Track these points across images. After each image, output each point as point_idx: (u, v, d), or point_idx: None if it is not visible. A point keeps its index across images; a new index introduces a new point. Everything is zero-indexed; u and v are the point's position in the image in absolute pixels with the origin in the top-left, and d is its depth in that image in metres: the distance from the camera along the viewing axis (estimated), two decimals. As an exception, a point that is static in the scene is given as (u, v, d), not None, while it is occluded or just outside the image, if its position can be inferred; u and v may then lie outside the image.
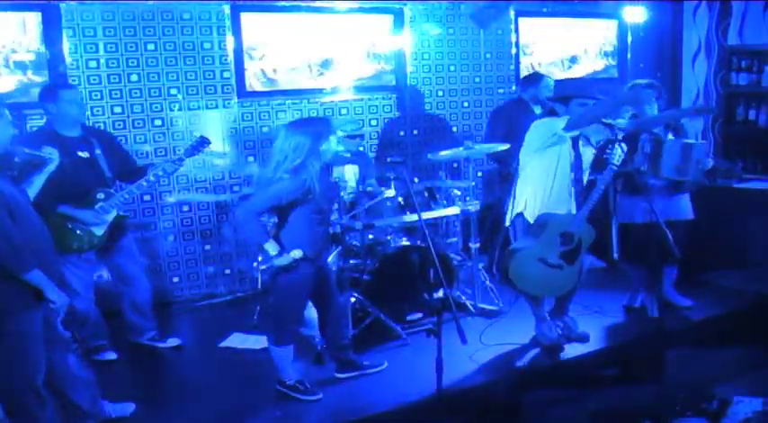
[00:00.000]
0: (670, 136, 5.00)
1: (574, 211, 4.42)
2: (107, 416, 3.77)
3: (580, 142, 4.44)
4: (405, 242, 4.97)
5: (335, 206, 4.50)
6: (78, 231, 4.30)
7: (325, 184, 3.87)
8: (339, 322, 4.27)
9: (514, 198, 4.56)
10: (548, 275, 4.42)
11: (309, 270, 3.91)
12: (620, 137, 4.34)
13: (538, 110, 5.87)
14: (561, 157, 4.38)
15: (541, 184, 4.42)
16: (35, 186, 3.69)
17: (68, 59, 5.17)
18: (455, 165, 6.63)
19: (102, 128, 5.18)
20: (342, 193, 4.73)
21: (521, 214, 4.50)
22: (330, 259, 4.37)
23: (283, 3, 5.91)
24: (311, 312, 5.12)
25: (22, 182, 3.56)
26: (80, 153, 4.34)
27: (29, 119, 4.97)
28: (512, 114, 5.86)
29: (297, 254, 3.82)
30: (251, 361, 4.62)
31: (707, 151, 5.01)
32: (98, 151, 4.40)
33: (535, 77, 6.13)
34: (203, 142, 4.58)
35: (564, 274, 4.45)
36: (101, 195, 4.37)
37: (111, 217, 4.39)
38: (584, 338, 4.67)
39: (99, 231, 4.37)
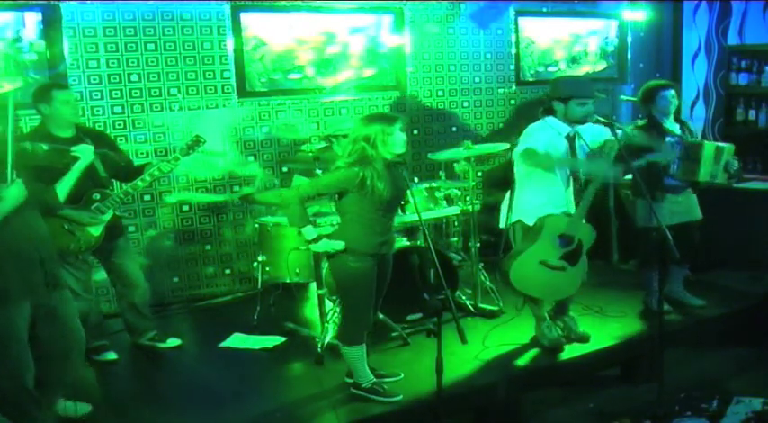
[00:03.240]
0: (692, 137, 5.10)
1: (572, 212, 4.42)
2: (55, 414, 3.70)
3: (576, 143, 4.43)
4: (405, 242, 4.96)
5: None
6: (75, 232, 4.29)
7: (389, 180, 3.78)
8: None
9: (511, 202, 4.55)
10: (551, 278, 4.40)
11: (370, 265, 3.82)
12: (619, 136, 4.33)
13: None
14: (556, 157, 4.37)
15: (537, 187, 4.41)
16: (65, 185, 3.73)
17: (68, 59, 5.17)
18: (455, 165, 6.63)
19: (98, 128, 5.17)
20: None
21: (519, 219, 4.49)
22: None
23: (283, 3, 5.91)
24: (312, 313, 5.13)
25: (49, 181, 3.58)
26: (74, 154, 4.32)
27: (28, 119, 4.97)
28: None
29: (338, 246, 3.78)
30: (251, 361, 4.62)
31: (733, 153, 5.04)
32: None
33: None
34: (199, 141, 4.57)
35: (568, 275, 4.43)
36: (96, 196, 4.36)
37: (107, 217, 4.38)
38: (584, 339, 4.67)
39: (95, 232, 4.36)
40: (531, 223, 4.43)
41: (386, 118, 3.87)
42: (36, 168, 3.55)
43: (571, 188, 4.44)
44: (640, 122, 5.08)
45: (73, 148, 4.05)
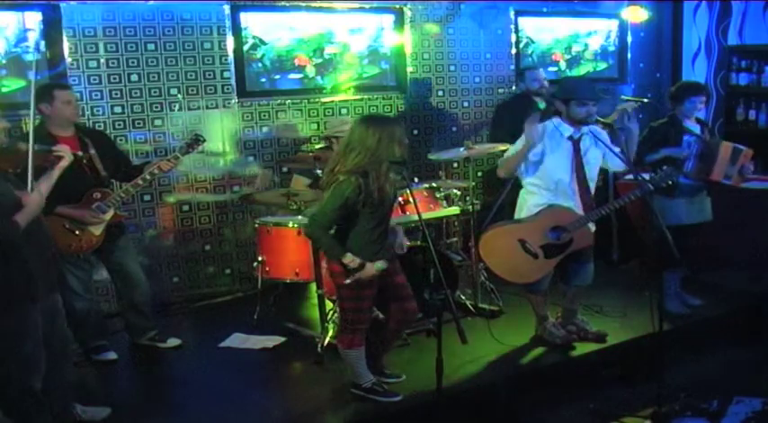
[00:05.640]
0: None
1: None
2: (77, 418, 3.73)
3: (585, 143, 4.42)
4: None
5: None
6: (76, 231, 4.29)
7: (388, 187, 3.67)
8: (397, 331, 4.18)
9: (519, 204, 4.56)
10: (516, 258, 4.34)
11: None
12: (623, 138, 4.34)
13: (541, 104, 5.91)
14: (559, 159, 4.37)
15: (542, 187, 4.41)
16: (46, 183, 3.72)
17: (68, 59, 5.17)
18: (455, 165, 6.64)
19: (98, 128, 5.17)
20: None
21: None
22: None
23: (283, 3, 5.91)
24: (312, 313, 5.13)
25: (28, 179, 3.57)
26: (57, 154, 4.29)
27: (26, 119, 4.96)
28: (515, 108, 5.92)
29: (380, 266, 3.69)
30: (251, 361, 4.62)
31: (750, 158, 5.03)
32: (93, 151, 4.39)
33: (522, 71, 6.28)
34: (198, 140, 4.57)
35: (534, 264, 4.36)
36: (97, 195, 4.37)
37: (108, 216, 4.39)
38: (601, 337, 4.68)
39: (96, 231, 4.36)
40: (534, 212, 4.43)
41: (391, 120, 3.80)
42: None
43: (577, 189, 4.42)
44: (660, 120, 5.12)
45: (54, 148, 3.96)
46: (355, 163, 3.61)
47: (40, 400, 3.32)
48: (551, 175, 4.38)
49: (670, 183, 4.43)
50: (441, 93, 6.70)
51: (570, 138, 4.38)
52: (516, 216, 4.56)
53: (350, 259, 3.65)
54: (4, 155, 3.27)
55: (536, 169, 4.40)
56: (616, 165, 4.59)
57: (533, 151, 4.34)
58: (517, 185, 4.65)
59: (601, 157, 4.51)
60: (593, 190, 4.47)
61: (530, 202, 4.47)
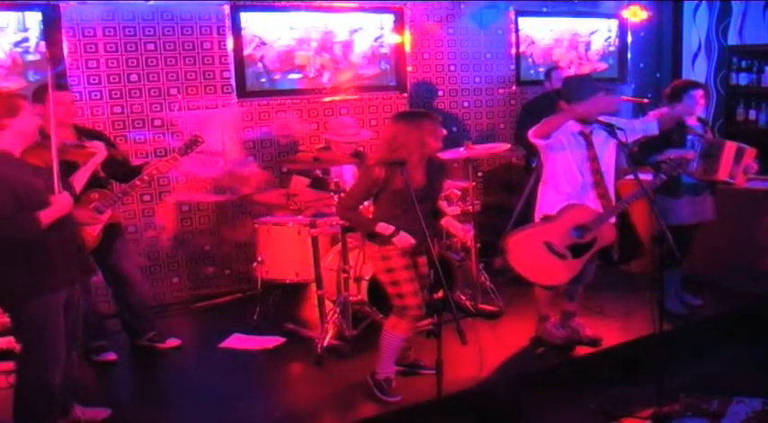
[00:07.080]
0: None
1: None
2: (76, 418, 3.72)
3: (599, 137, 4.40)
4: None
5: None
6: None
7: (417, 178, 3.82)
8: None
9: (537, 200, 4.55)
10: (545, 260, 4.33)
11: (403, 254, 3.86)
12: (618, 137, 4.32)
13: None
14: (573, 155, 4.35)
15: (558, 185, 4.41)
16: (80, 178, 3.77)
17: (68, 59, 5.16)
18: (455, 165, 6.63)
19: (98, 128, 5.16)
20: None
21: (544, 213, 4.47)
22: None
23: (283, 3, 5.91)
24: (312, 313, 5.12)
25: (66, 174, 3.60)
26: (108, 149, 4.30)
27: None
28: (539, 108, 5.89)
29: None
30: (251, 362, 4.62)
31: (755, 157, 4.98)
32: None
33: (548, 71, 6.35)
34: (197, 141, 4.56)
35: (563, 265, 4.36)
36: (95, 195, 4.35)
37: (105, 217, 4.38)
38: (595, 342, 4.65)
39: (93, 232, 4.35)
40: (554, 212, 4.41)
41: (421, 115, 3.99)
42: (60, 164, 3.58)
43: (592, 187, 4.42)
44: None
45: (88, 144, 4.07)
46: (387, 154, 3.81)
47: (54, 396, 3.32)
48: (567, 172, 4.36)
49: (681, 171, 4.46)
50: (441, 93, 6.69)
51: (581, 133, 4.36)
52: (541, 205, 4.53)
53: (383, 227, 3.79)
54: (36, 151, 3.34)
55: (551, 164, 4.40)
56: (649, 128, 4.58)
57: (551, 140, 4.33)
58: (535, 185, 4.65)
59: (614, 148, 4.49)
60: (611, 184, 4.44)
61: (547, 201, 4.46)
